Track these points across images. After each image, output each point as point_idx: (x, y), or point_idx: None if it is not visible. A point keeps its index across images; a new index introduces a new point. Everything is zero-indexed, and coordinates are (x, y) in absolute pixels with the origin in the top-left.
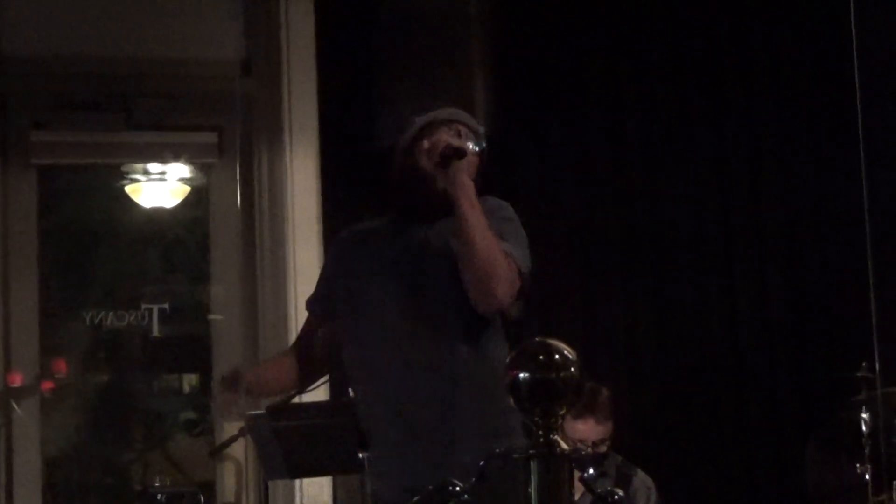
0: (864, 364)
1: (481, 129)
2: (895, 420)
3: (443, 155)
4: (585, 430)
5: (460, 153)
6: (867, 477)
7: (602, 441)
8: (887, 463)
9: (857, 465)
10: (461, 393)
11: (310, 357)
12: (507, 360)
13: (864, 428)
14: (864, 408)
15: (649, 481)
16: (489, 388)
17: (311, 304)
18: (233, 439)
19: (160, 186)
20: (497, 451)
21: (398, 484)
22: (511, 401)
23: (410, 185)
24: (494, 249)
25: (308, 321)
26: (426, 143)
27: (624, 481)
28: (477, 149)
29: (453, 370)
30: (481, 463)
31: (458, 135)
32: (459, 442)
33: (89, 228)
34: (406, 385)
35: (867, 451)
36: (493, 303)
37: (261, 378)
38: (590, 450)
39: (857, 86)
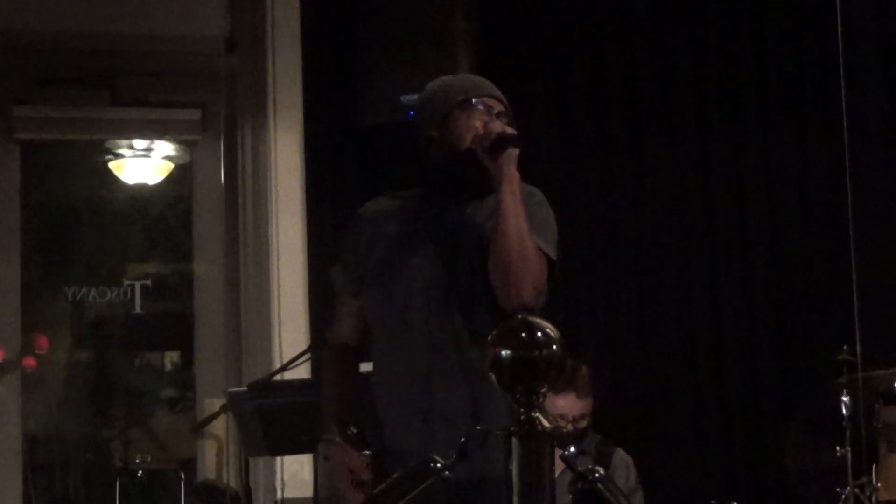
0: (845, 347)
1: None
2: (876, 404)
3: (495, 142)
4: (566, 406)
5: (516, 141)
6: (848, 460)
7: (582, 416)
8: (868, 446)
9: (838, 448)
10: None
11: (360, 348)
12: (490, 338)
13: (844, 411)
14: (844, 391)
15: (628, 459)
16: None
17: (347, 284)
18: (214, 416)
19: (143, 163)
20: (478, 427)
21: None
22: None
23: (447, 163)
24: (528, 247)
25: (343, 308)
26: (478, 125)
27: (603, 459)
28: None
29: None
30: (462, 440)
31: (503, 117)
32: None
33: (72, 205)
34: (434, 370)
35: (848, 434)
36: (518, 303)
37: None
38: (570, 426)
39: (842, 73)
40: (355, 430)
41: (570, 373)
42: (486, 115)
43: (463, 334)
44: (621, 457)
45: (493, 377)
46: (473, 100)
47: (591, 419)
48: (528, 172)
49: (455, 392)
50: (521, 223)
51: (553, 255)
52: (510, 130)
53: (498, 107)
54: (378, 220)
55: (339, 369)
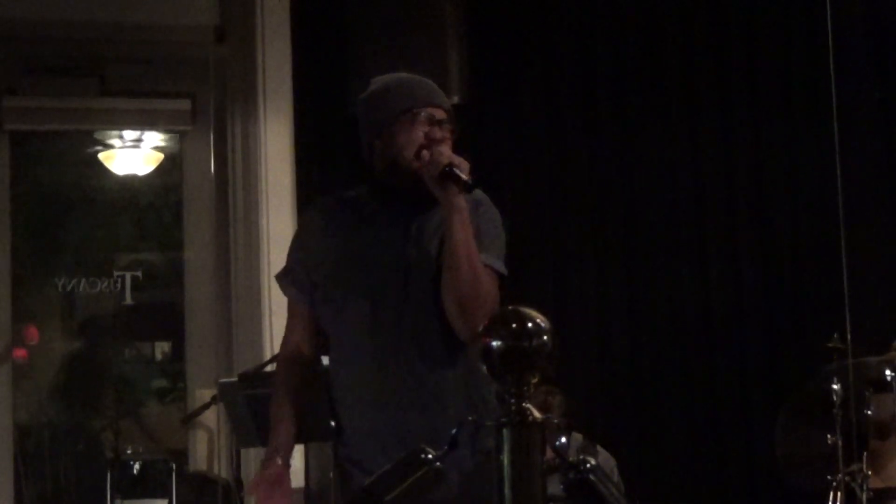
0: (835, 334)
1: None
2: (866, 391)
3: (444, 174)
4: None
5: (466, 186)
6: (838, 448)
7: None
8: (858, 433)
9: (828, 435)
10: (447, 410)
11: (314, 357)
12: (481, 329)
13: (834, 398)
14: (835, 378)
15: (611, 461)
16: (475, 400)
17: (300, 294)
18: (205, 407)
19: (133, 153)
20: (470, 418)
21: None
22: (484, 369)
23: (391, 176)
24: (480, 280)
25: (296, 318)
26: (421, 136)
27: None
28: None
29: (440, 379)
30: (453, 430)
31: (446, 124)
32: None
33: (62, 195)
34: (387, 395)
35: (838, 421)
36: (470, 331)
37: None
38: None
39: (832, 58)
40: (290, 464)
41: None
42: (427, 126)
43: (417, 361)
44: (604, 458)
45: (483, 368)
46: (415, 109)
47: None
48: (518, 159)
49: (411, 418)
50: (472, 254)
51: (503, 269)
52: (457, 160)
53: (440, 114)
54: (327, 230)
55: (285, 388)
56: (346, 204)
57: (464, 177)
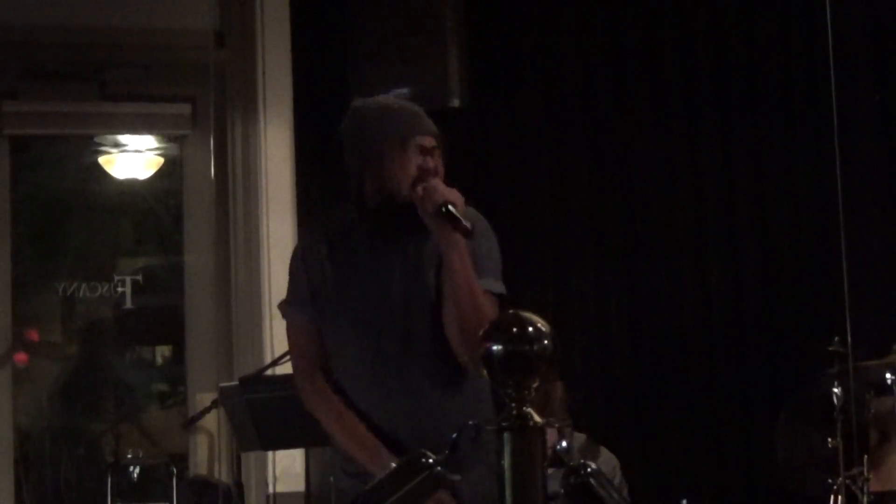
0: (836, 338)
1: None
2: (867, 394)
3: (440, 214)
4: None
5: (466, 233)
6: (839, 451)
7: (555, 443)
8: (858, 437)
9: (829, 439)
10: (456, 419)
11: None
12: (481, 333)
13: (835, 402)
14: (836, 382)
15: (613, 460)
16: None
17: (306, 313)
18: (205, 411)
19: (133, 157)
20: (470, 422)
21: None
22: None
23: (383, 207)
24: (482, 308)
25: (307, 338)
26: (413, 168)
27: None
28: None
29: (448, 402)
30: (454, 435)
31: (436, 151)
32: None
33: (62, 199)
34: (391, 415)
35: (839, 425)
36: (473, 356)
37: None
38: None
39: (832, 60)
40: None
41: (542, 398)
42: (419, 156)
43: (424, 388)
44: (606, 457)
45: (484, 373)
46: (405, 140)
47: (571, 428)
48: (518, 164)
49: (412, 440)
50: (473, 287)
51: (502, 289)
52: (451, 197)
53: (430, 142)
54: (327, 260)
55: (338, 408)
56: (340, 232)
57: (463, 222)
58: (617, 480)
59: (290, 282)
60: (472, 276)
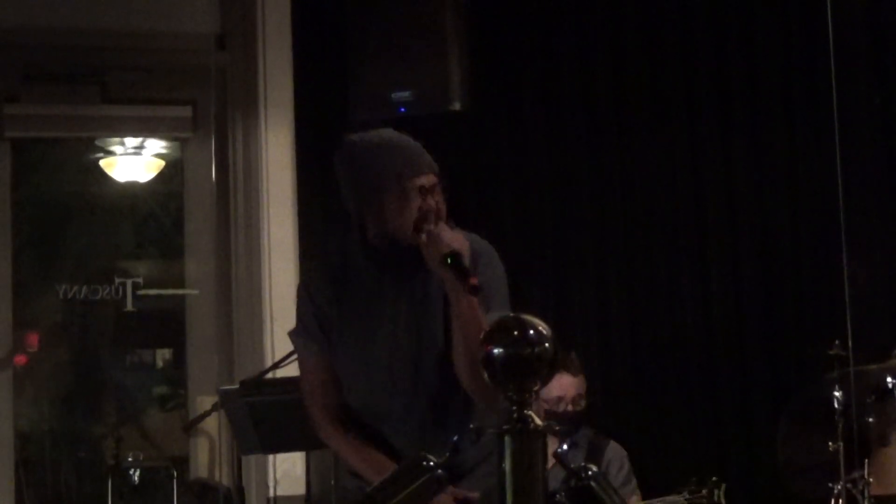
0: (836, 342)
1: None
2: (867, 398)
3: (447, 264)
4: (562, 386)
5: (472, 290)
6: (840, 455)
7: (580, 396)
8: (860, 441)
9: (830, 443)
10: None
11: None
12: (482, 336)
13: (836, 406)
14: (836, 386)
15: (622, 451)
16: None
17: (319, 348)
18: (206, 414)
19: (134, 160)
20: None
21: None
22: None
23: (386, 247)
24: None
25: (324, 373)
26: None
27: (596, 452)
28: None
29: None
30: (454, 438)
31: (436, 189)
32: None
33: (63, 202)
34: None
35: (839, 428)
36: (483, 397)
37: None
38: (570, 406)
39: (832, 61)
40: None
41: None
42: (419, 197)
43: (436, 420)
44: (615, 449)
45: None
46: (404, 181)
47: (587, 401)
48: (519, 168)
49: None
50: (482, 324)
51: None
52: (456, 245)
53: (430, 180)
54: (336, 296)
55: (354, 442)
56: (344, 266)
57: (469, 276)
58: (626, 472)
59: (298, 316)
60: (480, 316)
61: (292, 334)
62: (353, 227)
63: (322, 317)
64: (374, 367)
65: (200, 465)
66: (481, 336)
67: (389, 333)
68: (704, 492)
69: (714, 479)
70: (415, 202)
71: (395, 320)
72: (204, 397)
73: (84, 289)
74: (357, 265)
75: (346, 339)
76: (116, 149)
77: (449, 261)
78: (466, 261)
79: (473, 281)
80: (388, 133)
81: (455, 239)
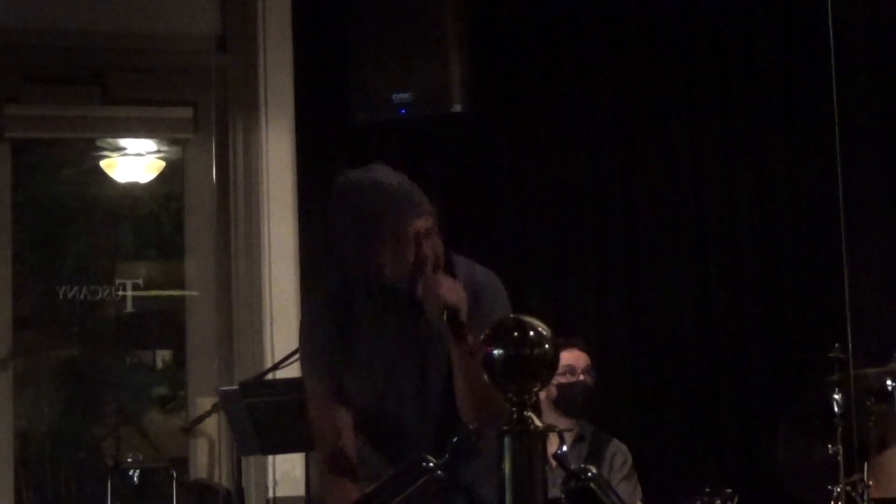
0: (836, 345)
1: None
2: (867, 401)
3: (446, 321)
4: (572, 358)
5: (466, 350)
6: (839, 458)
7: (589, 367)
8: (859, 444)
9: (829, 445)
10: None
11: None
12: (482, 337)
13: (836, 409)
14: (836, 389)
15: (625, 448)
16: None
17: (329, 389)
18: (206, 415)
19: (135, 161)
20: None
21: None
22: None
23: (387, 292)
24: (491, 395)
25: (340, 417)
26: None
27: (600, 447)
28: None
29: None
30: (454, 439)
31: (433, 230)
32: None
33: (63, 203)
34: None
35: (839, 431)
36: (482, 424)
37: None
38: (582, 376)
39: (833, 62)
40: None
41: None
42: (415, 244)
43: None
44: (617, 445)
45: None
46: (400, 231)
47: (595, 378)
48: (519, 170)
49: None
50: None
51: None
52: (452, 301)
53: (426, 223)
54: (342, 331)
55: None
56: (345, 304)
57: (467, 336)
58: (628, 468)
59: (303, 353)
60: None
61: (311, 378)
62: (351, 271)
63: (326, 359)
64: (382, 399)
65: (200, 466)
66: (482, 383)
67: (392, 373)
68: (718, 503)
69: (728, 490)
70: (410, 251)
71: (397, 354)
72: (204, 398)
73: (84, 289)
74: (358, 304)
75: (353, 374)
76: (117, 150)
77: (444, 318)
78: (463, 315)
79: (471, 348)
80: (381, 173)
81: (451, 291)
